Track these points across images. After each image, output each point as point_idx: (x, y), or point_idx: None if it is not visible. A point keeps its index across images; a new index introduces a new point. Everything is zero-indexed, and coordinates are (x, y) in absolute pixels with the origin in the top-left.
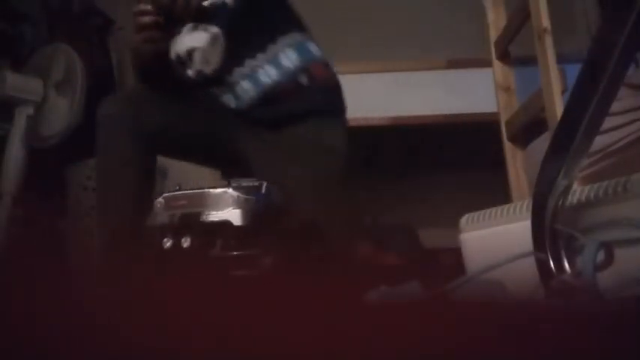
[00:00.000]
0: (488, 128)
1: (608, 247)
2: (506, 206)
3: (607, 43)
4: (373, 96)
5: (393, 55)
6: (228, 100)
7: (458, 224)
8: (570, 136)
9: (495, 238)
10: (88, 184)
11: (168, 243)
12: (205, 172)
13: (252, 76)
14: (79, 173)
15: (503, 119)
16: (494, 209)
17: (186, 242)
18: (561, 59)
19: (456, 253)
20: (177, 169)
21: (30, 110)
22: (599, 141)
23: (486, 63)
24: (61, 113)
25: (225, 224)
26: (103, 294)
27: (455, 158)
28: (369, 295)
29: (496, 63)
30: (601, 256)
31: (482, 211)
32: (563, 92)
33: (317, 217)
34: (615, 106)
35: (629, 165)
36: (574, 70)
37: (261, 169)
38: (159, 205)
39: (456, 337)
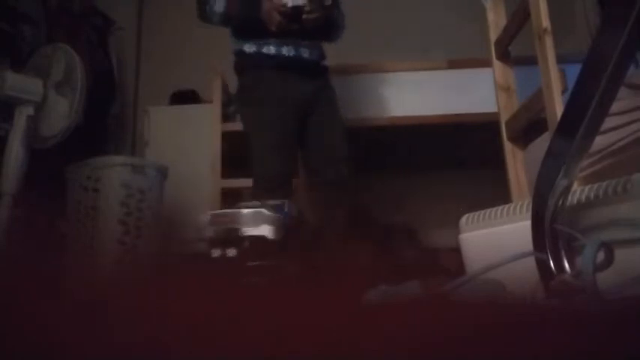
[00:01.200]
0: (488, 128)
1: (608, 247)
2: (506, 206)
3: (607, 43)
4: (373, 96)
5: (393, 55)
6: (305, 52)
7: (458, 224)
8: (570, 136)
9: (495, 238)
10: (88, 184)
11: (215, 253)
12: (204, 172)
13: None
14: (79, 173)
15: (503, 119)
16: (494, 209)
17: (231, 252)
18: (561, 59)
19: (456, 253)
20: (176, 169)
21: (30, 110)
22: (599, 141)
23: (486, 63)
24: (61, 113)
25: (261, 238)
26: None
27: (455, 158)
28: (369, 294)
29: (496, 63)
30: (601, 256)
31: (482, 211)
32: (563, 92)
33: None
34: (615, 106)
35: (629, 165)
36: (574, 70)
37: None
38: (205, 221)
39: (456, 337)
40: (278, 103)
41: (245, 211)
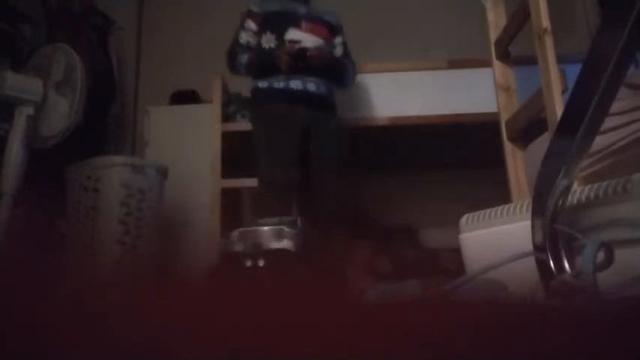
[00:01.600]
0: (488, 128)
1: (608, 247)
2: (506, 206)
3: (607, 43)
4: (374, 96)
5: (393, 55)
6: (311, 86)
7: (458, 224)
8: (570, 136)
9: (495, 238)
10: (88, 184)
11: (248, 263)
12: (204, 172)
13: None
14: (79, 173)
15: (503, 119)
16: (494, 209)
17: (261, 262)
18: (561, 59)
19: (456, 253)
20: (176, 169)
21: (30, 110)
22: (599, 141)
23: (486, 63)
24: (61, 113)
25: (285, 251)
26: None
27: (455, 158)
28: (369, 294)
29: (496, 63)
30: (601, 256)
31: (482, 211)
32: (563, 92)
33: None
34: (615, 106)
35: (629, 165)
36: (574, 70)
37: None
38: (236, 235)
39: (456, 337)
40: (283, 118)
41: (269, 228)
